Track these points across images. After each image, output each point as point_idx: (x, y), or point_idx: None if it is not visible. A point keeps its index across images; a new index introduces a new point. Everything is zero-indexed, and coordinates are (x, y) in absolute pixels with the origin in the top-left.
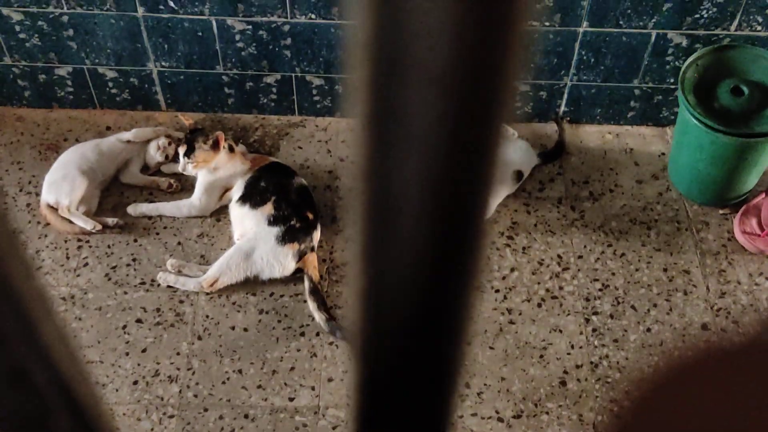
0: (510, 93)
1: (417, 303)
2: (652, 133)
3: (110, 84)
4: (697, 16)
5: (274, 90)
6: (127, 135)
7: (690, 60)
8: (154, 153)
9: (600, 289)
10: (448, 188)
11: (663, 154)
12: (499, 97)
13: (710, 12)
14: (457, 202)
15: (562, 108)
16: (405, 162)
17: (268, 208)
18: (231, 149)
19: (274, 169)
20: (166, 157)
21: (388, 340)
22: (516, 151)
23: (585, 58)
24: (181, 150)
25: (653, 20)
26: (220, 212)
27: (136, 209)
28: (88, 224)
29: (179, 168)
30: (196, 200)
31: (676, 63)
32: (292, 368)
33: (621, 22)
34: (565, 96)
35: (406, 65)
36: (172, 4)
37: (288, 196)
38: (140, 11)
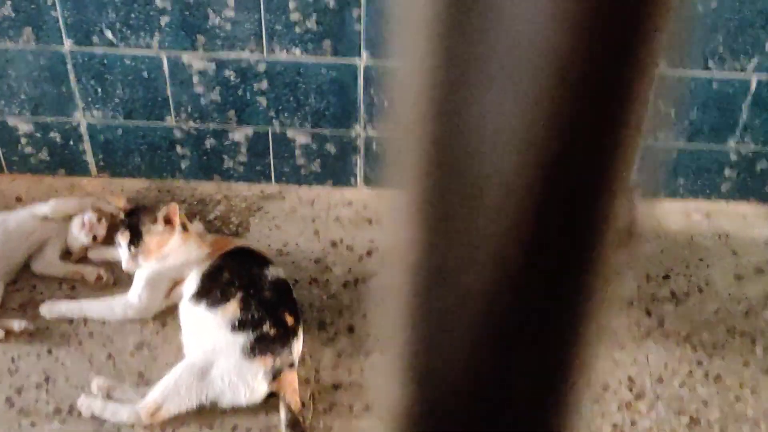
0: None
1: (494, 375)
2: (755, 211)
3: (23, 140)
4: None
5: (244, 149)
6: (43, 208)
7: None
8: (78, 232)
9: (688, 425)
10: (563, 154)
11: None
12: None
13: None
14: (576, 180)
15: (633, 177)
16: (494, 105)
17: (233, 309)
18: (183, 228)
19: (242, 255)
20: (94, 238)
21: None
22: None
23: (663, 110)
24: (123, 240)
25: (753, 61)
26: (167, 314)
27: (52, 309)
28: None
29: (124, 264)
30: (134, 297)
31: None
32: None
33: (711, 64)
34: (637, 161)
35: None
36: (109, 35)
37: (260, 293)
38: (67, 44)
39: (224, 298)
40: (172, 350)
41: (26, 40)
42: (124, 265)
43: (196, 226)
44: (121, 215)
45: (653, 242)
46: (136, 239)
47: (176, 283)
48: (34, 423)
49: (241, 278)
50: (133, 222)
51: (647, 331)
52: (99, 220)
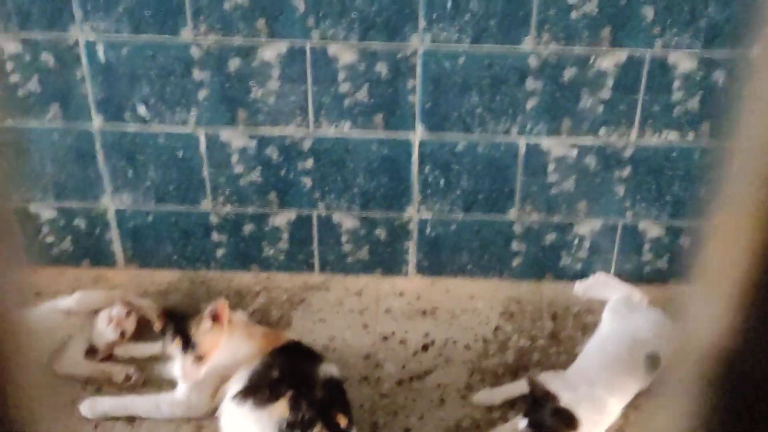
0: None
1: None
2: None
3: (45, 228)
4: None
5: (285, 236)
6: (66, 303)
7: None
8: (105, 328)
9: None
10: None
11: None
12: None
13: None
14: None
15: None
16: None
17: (281, 409)
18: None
19: (293, 351)
20: (122, 334)
21: None
22: (649, 326)
23: None
24: (176, 348)
25: None
26: (203, 416)
27: (95, 407)
28: None
29: (183, 376)
30: (182, 397)
31: None
32: None
33: None
34: None
35: None
36: (142, 111)
37: (311, 392)
38: (96, 122)
39: (273, 397)
40: None
41: (52, 118)
42: (184, 377)
43: (240, 317)
44: (158, 324)
45: None
46: (189, 344)
47: (224, 380)
48: None
49: (291, 376)
50: (180, 326)
51: None
52: (127, 314)
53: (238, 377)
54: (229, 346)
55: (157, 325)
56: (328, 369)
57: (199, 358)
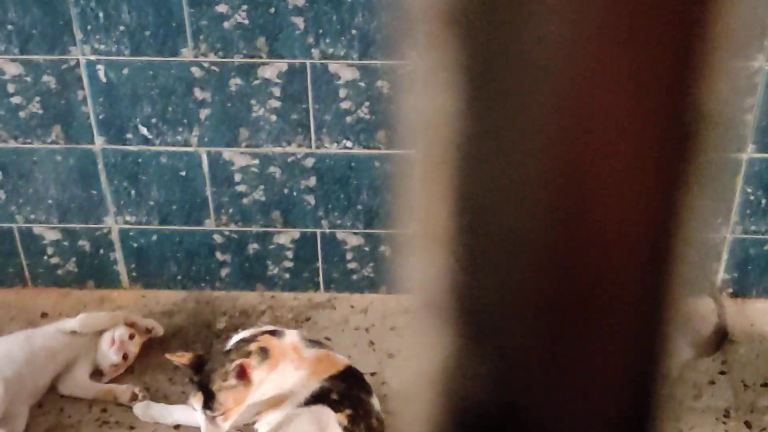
0: None
1: None
2: None
3: (49, 250)
4: None
5: (290, 254)
6: (71, 324)
7: None
8: (108, 349)
9: None
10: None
11: None
12: None
13: None
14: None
15: (721, 274)
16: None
17: (340, 418)
18: (264, 354)
19: (351, 378)
20: (125, 356)
21: None
22: None
23: (753, 198)
24: (196, 403)
25: None
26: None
27: (146, 411)
28: None
29: (202, 428)
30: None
31: None
32: None
33: None
34: (725, 256)
35: None
36: (144, 131)
37: (369, 419)
38: (98, 143)
39: (334, 409)
40: None
41: (54, 140)
42: (204, 430)
43: (292, 340)
44: (191, 373)
45: (747, 346)
46: (210, 400)
47: (271, 409)
48: None
49: (351, 399)
50: (201, 381)
51: None
52: (131, 336)
53: (288, 405)
54: (273, 381)
55: (188, 373)
56: (377, 404)
57: (222, 415)
